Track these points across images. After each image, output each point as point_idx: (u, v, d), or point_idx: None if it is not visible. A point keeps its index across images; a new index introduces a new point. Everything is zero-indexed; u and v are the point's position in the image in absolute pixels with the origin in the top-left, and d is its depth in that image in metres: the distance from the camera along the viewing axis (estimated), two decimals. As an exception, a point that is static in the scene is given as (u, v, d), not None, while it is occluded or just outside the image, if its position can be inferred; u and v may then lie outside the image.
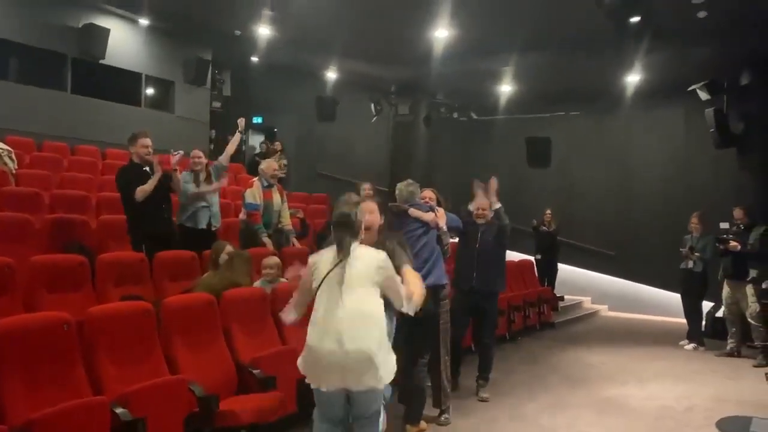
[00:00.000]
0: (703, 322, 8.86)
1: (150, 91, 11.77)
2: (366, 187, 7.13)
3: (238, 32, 10.64)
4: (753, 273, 7.81)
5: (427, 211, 4.90)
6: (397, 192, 5.04)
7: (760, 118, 9.88)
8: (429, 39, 9.68)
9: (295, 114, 14.25)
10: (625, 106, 11.48)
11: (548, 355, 7.94)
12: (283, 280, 5.33)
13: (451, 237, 5.20)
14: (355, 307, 3.17)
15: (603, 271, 12.64)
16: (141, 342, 3.94)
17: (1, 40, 9.31)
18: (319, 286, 3.24)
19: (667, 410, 5.61)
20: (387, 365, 3.21)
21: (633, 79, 10.68)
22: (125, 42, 10.92)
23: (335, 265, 3.23)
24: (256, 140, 14.44)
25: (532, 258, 10.95)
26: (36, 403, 3.18)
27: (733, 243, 7.71)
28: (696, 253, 8.31)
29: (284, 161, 12.27)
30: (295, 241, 6.86)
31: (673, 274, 8.92)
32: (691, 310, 8.61)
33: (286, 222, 6.79)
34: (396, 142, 13.29)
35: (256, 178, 6.76)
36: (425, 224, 4.83)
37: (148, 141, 5.77)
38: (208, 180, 6.30)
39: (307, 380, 3.25)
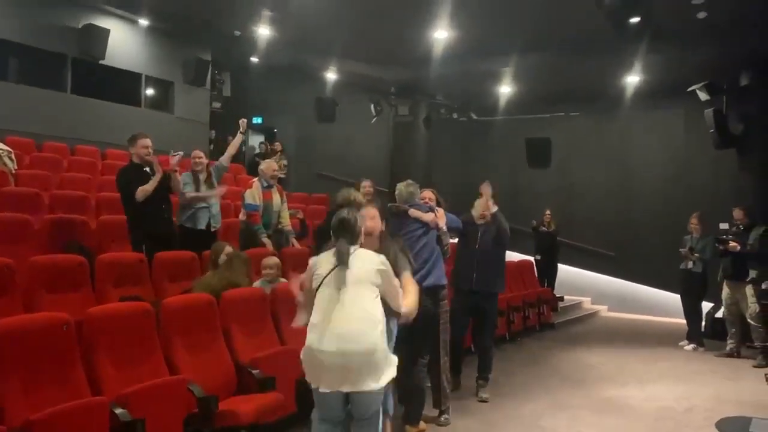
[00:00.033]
0: (703, 323, 8.86)
1: (150, 91, 11.78)
2: (366, 185, 7.11)
3: (237, 33, 10.65)
4: (753, 273, 7.81)
5: (427, 212, 4.90)
6: (396, 192, 5.04)
7: (760, 119, 9.88)
8: (429, 40, 9.68)
9: (294, 115, 14.26)
10: (625, 107, 11.49)
11: (548, 355, 7.94)
12: (282, 280, 5.34)
13: (451, 237, 5.20)
14: (355, 308, 3.18)
15: (603, 272, 12.64)
16: (140, 342, 3.94)
17: (1, 41, 9.32)
18: (319, 287, 3.26)
19: (666, 411, 5.61)
20: (386, 366, 3.22)
21: (633, 79, 10.69)
22: (125, 42, 10.93)
23: (335, 267, 3.25)
24: (255, 141, 14.45)
25: (531, 258, 10.95)
26: (35, 403, 3.18)
27: (732, 243, 7.71)
28: (696, 254, 8.31)
29: (284, 162, 12.30)
30: (294, 241, 6.85)
31: (672, 274, 8.92)
32: (691, 310, 8.61)
33: (286, 222, 6.79)
34: (396, 143, 13.30)
35: (255, 179, 6.75)
36: (425, 225, 4.83)
37: (147, 141, 5.78)
38: (209, 180, 6.30)
39: (306, 378, 3.26)
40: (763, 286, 7.89)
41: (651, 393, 6.21)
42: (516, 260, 10.14)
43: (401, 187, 5.02)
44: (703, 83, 10.17)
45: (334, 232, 3.37)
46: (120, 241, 5.98)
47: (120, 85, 11.10)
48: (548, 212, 11.23)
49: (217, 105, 13.45)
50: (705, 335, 8.73)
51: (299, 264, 5.95)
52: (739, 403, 5.89)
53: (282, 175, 9.87)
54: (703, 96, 10.28)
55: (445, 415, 5.02)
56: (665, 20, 8.06)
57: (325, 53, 11.14)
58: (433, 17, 8.86)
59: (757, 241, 7.71)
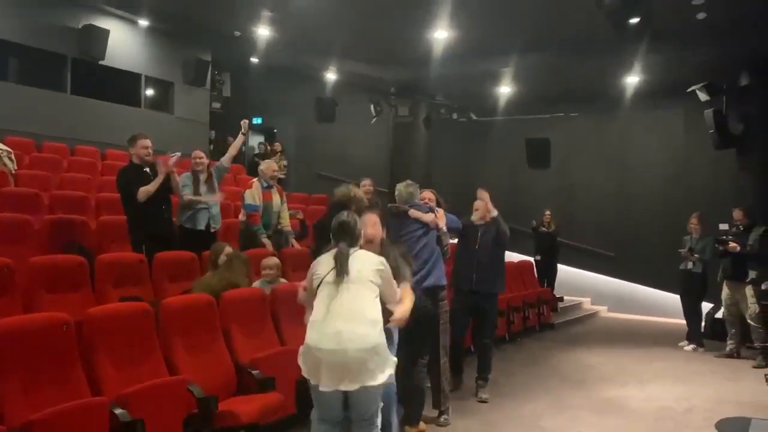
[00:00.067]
0: (703, 323, 8.86)
1: (150, 91, 11.78)
2: (366, 183, 7.11)
3: (237, 33, 10.65)
4: (752, 274, 7.80)
5: (427, 212, 4.91)
6: (396, 193, 5.04)
7: (760, 119, 9.89)
8: (429, 40, 9.68)
9: (294, 115, 14.27)
10: (625, 107, 11.49)
11: (548, 356, 7.94)
12: (282, 280, 5.34)
13: (451, 238, 5.20)
14: (354, 307, 3.20)
15: (602, 272, 12.64)
16: (140, 343, 3.94)
17: (1, 41, 9.32)
18: (318, 286, 3.28)
19: (666, 411, 5.61)
20: (385, 366, 3.23)
21: (632, 80, 10.69)
22: (125, 43, 10.93)
23: (334, 267, 3.26)
24: (255, 141, 14.45)
25: (531, 259, 10.96)
26: (35, 403, 3.18)
27: (732, 244, 7.71)
28: (695, 254, 8.31)
29: (284, 162, 12.30)
30: (294, 242, 6.85)
31: (672, 275, 8.92)
32: (691, 311, 8.61)
33: (286, 223, 6.78)
34: (396, 143, 13.30)
35: (255, 179, 6.74)
36: (425, 225, 4.83)
37: (147, 142, 5.79)
38: (210, 181, 6.31)
39: (305, 375, 3.27)
40: (763, 287, 7.88)
41: (651, 393, 6.21)
42: (516, 260, 10.14)
43: (401, 188, 5.02)
44: (702, 83, 10.17)
45: (334, 236, 3.40)
46: (120, 242, 5.98)
47: (120, 86, 11.10)
48: (548, 212, 11.23)
49: (217, 105, 13.46)
50: (705, 336, 8.73)
51: (299, 264, 5.96)
52: (738, 403, 5.89)
53: (282, 176, 9.87)
54: (702, 96, 10.28)
55: (445, 416, 5.02)
56: (665, 20, 8.06)
57: (325, 53, 11.14)
58: (433, 17, 8.86)
59: (756, 241, 7.70)
